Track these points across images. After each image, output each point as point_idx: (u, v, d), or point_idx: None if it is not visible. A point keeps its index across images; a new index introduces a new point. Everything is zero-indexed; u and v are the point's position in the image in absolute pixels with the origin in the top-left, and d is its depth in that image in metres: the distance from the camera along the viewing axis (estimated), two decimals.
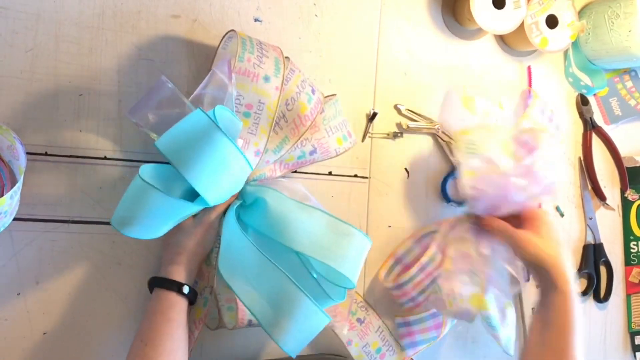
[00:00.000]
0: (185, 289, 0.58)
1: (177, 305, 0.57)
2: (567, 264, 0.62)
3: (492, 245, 0.66)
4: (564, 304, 0.60)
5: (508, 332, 0.68)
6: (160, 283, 0.58)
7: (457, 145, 0.63)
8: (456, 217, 0.72)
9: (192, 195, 0.56)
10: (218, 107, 0.52)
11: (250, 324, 0.63)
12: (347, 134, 0.70)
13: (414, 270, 0.69)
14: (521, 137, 0.65)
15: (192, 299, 0.59)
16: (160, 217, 0.54)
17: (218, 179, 0.53)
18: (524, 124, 0.70)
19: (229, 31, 0.64)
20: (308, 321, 0.56)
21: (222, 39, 0.66)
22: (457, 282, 0.63)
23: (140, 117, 0.58)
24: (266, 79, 0.59)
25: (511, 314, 0.72)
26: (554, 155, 0.65)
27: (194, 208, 0.55)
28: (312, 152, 0.66)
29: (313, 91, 0.64)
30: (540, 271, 0.61)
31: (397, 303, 0.73)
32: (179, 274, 0.59)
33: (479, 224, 0.67)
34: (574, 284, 0.61)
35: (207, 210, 0.60)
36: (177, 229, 0.60)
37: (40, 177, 0.63)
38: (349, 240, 0.59)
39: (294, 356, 0.57)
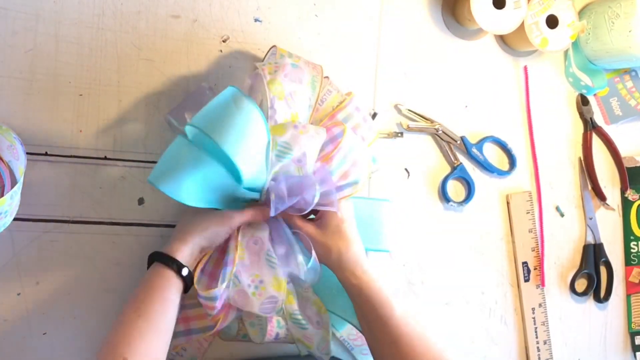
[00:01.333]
0: (184, 271, 0.57)
1: (174, 287, 0.56)
2: (348, 257, 0.58)
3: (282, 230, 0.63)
4: (360, 296, 0.57)
5: (322, 332, 0.62)
6: (162, 258, 0.57)
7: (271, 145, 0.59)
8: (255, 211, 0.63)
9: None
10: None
11: (277, 337, 0.63)
12: (375, 157, 0.71)
13: (223, 271, 0.59)
14: (333, 130, 0.62)
15: (188, 283, 0.58)
16: (193, 176, 0.54)
17: (246, 145, 0.54)
18: (338, 116, 0.64)
19: (271, 47, 0.66)
20: None
21: (264, 56, 0.67)
22: (255, 269, 0.58)
23: (178, 118, 0.61)
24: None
25: (323, 314, 0.64)
26: (358, 153, 0.62)
27: (225, 176, 0.55)
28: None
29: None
30: (338, 272, 0.60)
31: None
32: (181, 253, 0.57)
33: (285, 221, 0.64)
34: (363, 273, 0.58)
35: (231, 213, 0.59)
36: (196, 213, 0.59)
37: (40, 177, 0.63)
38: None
39: None
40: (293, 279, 0.61)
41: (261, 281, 0.57)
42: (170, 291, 0.56)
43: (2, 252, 0.62)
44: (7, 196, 0.54)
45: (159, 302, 0.55)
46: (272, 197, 0.57)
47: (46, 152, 0.64)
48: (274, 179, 0.58)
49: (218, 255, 0.61)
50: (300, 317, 0.60)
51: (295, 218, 0.61)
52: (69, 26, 0.65)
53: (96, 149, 0.65)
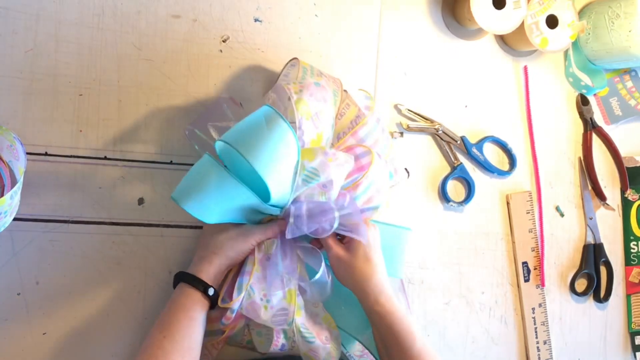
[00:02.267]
0: (210, 291, 0.58)
1: (200, 305, 0.57)
2: (374, 283, 0.59)
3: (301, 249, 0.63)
4: (382, 323, 0.58)
5: (330, 348, 0.61)
6: (188, 279, 0.58)
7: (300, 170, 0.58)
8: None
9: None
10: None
11: (283, 347, 0.63)
12: (393, 171, 0.70)
13: (240, 284, 0.60)
14: (355, 151, 0.62)
15: (214, 302, 0.59)
16: (217, 197, 0.54)
17: (278, 165, 0.54)
18: (360, 132, 0.64)
19: (291, 59, 0.66)
20: None
21: (284, 67, 0.67)
22: (268, 282, 0.59)
23: (203, 130, 0.62)
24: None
25: (333, 330, 0.64)
26: (381, 180, 0.63)
27: (251, 198, 0.56)
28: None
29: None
30: (360, 295, 0.60)
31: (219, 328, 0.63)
32: (207, 274, 0.58)
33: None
34: (387, 301, 0.58)
35: (253, 229, 0.60)
36: (219, 231, 0.60)
37: (40, 177, 0.63)
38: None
39: None
40: (302, 293, 0.61)
41: (272, 294, 0.59)
42: (196, 310, 0.57)
43: (2, 252, 0.62)
44: (7, 196, 0.54)
45: (185, 322, 0.56)
46: (291, 220, 0.58)
47: (46, 152, 0.63)
48: (295, 201, 0.59)
49: (236, 268, 0.62)
50: (306, 331, 0.60)
51: (327, 237, 0.61)
52: (69, 26, 0.65)
53: (96, 149, 0.65)
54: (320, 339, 0.61)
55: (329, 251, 0.61)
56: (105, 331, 0.65)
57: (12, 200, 0.56)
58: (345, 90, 0.66)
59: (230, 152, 0.54)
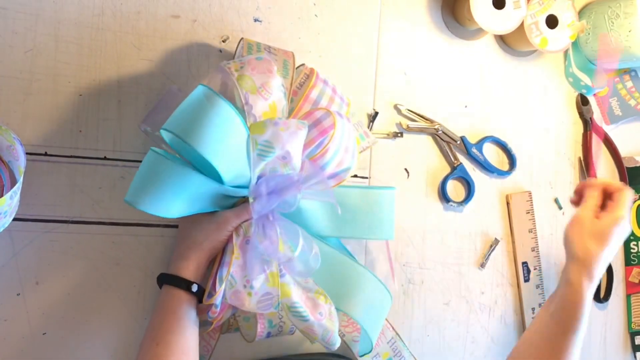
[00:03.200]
0: (194, 287, 0.56)
1: (186, 303, 0.56)
2: (596, 266, 0.61)
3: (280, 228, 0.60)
4: (573, 301, 0.59)
5: (325, 323, 0.60)
6: (169, 280, 0.57)
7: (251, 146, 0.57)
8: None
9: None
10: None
11: (268, 335, 0.62)
12: (363, 134, 0.70)
13: (221, 275, 0.58)
14: (315, 115, 0.60)
15: (200, 296, 0.58)
16: (172, 190, 0.53)
17: (225, 146, 0.53)
18: (312, 94, 0.62)
19: (240, 40, 0.65)
20: (375, 293, 0.64)
21: (235, 50, 0.65)
22: (249, 267, 0.57)
23: (153, 124, 0.60)
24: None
25: (326, 304, 0.62)
26: (348, 139, 0.61)
27: (205, 182, 0.54)
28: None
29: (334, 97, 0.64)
30: (567, 257, 0.62)
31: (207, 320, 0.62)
32: (187, 270, 0.57)
33: None
34: (591, 286, 0.60)
35: (227, 215, 0.59)
36: (191, 223, 0.59)
37: (40, 177, 0.63)
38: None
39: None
40: (289, 271, 0.60)
41: (254, 279, 0.57)
42: (183, 309, 0.55)
43: (2, 252, 0.62)
44: (7, 196, 0.54)
45: (174, 324, 0.54)
46: (251, 200, 0.56)
47: (46, 152, 0.63)
48: (259, 178, 0.57)
49: (217, 258, 0.61)
50: (300, 308, 0.59)
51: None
52: (69, 26, 0.65)
53: (96, 149, 0.65)
54: (314, 315, 0.60)
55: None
56: (105, 331, 0.65)
57: (12, 200, 0.56)
58: (304, 64, 0.66)
59: (178, 141, 0.52)
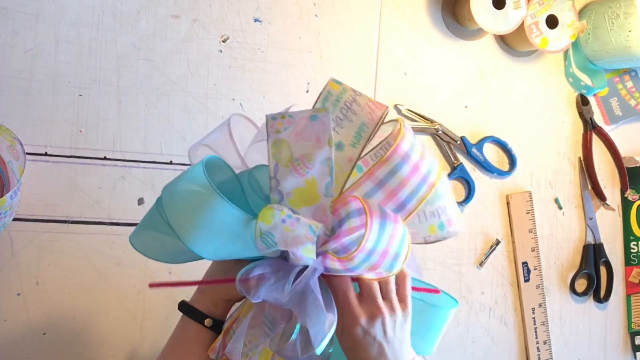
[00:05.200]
0: (208, 322, 0.53)
1: (200, 337, 0.53)
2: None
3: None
4: None
5: None
6: (186, 310, 0.54)
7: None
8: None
9: None
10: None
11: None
12: (445, 222, 0.53)
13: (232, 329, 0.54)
14: (350, 205, 0.48)
15: (216, 331, 0.54)
16: (225, 233, 0.47)
17: (220, 246, 0.48)
18: (378, 172, 0.49)
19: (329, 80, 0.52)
20: None
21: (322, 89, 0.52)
22: (255, 330, 0.51)
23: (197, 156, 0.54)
24: (339, 146, 0.49)
25: None
26: (393, 244, 0.49)
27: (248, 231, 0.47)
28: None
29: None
30: None
31: None
32: (202, 303, 0.54)
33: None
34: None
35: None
36: (219, 262, 0.56)
37: (40, 177, 0.63)
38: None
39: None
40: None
41: (256, 345, 0.51)
42: (196, 344, 0.53)
43: (2, 252, 0.62)
44: (7, 196, 0.54)
45: (184, 356, 0.52)
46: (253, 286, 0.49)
47: (46, 152, 0.63)
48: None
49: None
50: None
51: (345, 277, 0.51)
52: (69, 26, 0.65)
53: (96, 149, 0.65)
54: None
55: (340, 291, 0.50)
56: (105, 331, 0.65)
57: (12, 200, 0.56)
58: (394, 120, 0.51)
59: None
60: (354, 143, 0.50)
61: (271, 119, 0.49)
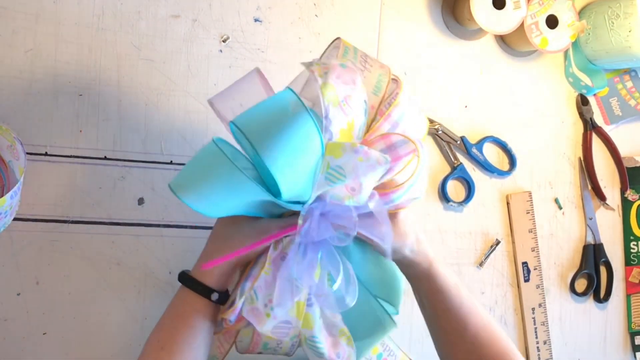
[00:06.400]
0: (214, 296, 0.51)
1: (203, 311, 0.51)
2: (423, 242, 0.56)
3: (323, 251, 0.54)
4: (430, 282, 0.55)
5: None
6: (189, 283, 0.52)
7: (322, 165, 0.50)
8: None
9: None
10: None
11: (260, 353, 0.58)
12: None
13: (244, 286, 0.53)
14: (391, 138, 0.53)
15: (221, 303, 0.53)
16: (221, 191, 0.47)
17: (295, 165, 0.47)
18: (393, 115, 0.54)
19: (334, 39, 0.57)
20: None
21: (326, 49, 0.58)
22: (277, 289, 0.51)
23: (222, 103, 0.54)
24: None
25: (347, 346, 0.56)
26: (425, 169, 0.53)
27: (260, 193, 0.48)
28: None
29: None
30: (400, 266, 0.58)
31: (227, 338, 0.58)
32: (211, 275, 0.51)
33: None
34: (433, 259, 0.56)
35: (271, 223, 0.53)
36: (230, 224, 0.54)
37: (40, 177, 0.63)
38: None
39: None
40: (319, 302, 0.54)
41: (279, 304, 0.51)
42: (198, 318, 0.51)
43: (2, 252, 0.62)
44: (7, 196, 0.54)
45: (185, 332, 0.50)
46: (300, 221, 0.50)
47: (46, 152, 0.63)
48: (318, 199, 0.51)
49: (247, 268, 0.55)
50: (319, 344, 0.53)
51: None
52: (69, 26, 0.65)
53: (96, 149, 0.65)
54: (331, 354, 0.54)
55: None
56: (105, 331, 0.65)
57: (12, 200, 0.56)
58: (394, 79, 0.57)
59: (243, 140, 0.47)
60: (375, 91, 0.54)
61: (309, 65, 0.51)
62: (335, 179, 0.49)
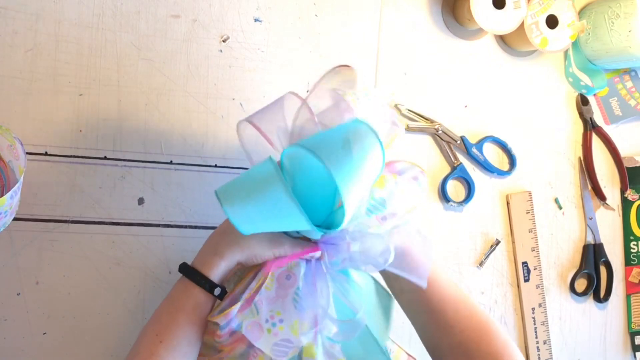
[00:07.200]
0: (217, 291, 0.51)
1: (203, 306, 0.51)
2: None
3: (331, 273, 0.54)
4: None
5: None
6: (192, 275, 0.51)
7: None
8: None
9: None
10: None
11: None
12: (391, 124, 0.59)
13: (240, 296, 0.52)
14: (395, 166, 0.54)
15: (220, 298, 0.52)
16: (266, 212, 0.46)
17: (361, 184, 0.46)
18: None
19: (341, 67, 0.56)
20: None
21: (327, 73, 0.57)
22: (278, 306, 0.50)
23: (263, 122, 0.52)
24: None
25: None
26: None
27: (302, 221, 0.47)
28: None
29: None
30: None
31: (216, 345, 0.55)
32: (216, 269, 0.50)
33: None
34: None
35: (282, 240, 0.53)
36: None
37: (40, 177, 0.63)
38: None
39: None
40: (322, 331, 0.53)
41: (281, 320, 0.50)
42: (198, 313, 0.50)
43: (2, 252, 0.62)
44: (7, 196, 0.54)
45: (186, 327, 0.49)
46: (325, 257, 0.50)
47: (46, 152, 0.63)
48: (347, 233, 0.50)
49: (247, 275, 0.54)
50: None
51: None
52: (69, 26, 0.65)
53: (96, 148, 0.65)
54: None
55: None
56: (105, 331, 0.65)
57: (12, 200, 0.56)
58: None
59: (298, 164, 0.46)
60: None
61: (343, 93, 0.52)
62: (375, 210, 0.49)
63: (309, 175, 0.47)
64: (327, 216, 0.50)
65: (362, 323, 0.51)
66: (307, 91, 0.74)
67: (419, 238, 0.51)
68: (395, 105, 0.77)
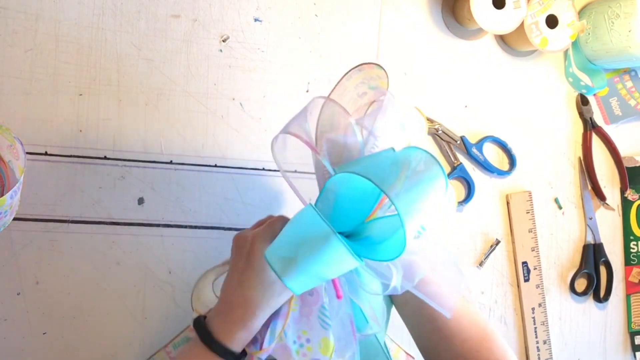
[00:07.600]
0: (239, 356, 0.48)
1: None
2: None
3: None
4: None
5: None
6: (215, 346, 0.46)
7: None
8: None
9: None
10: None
11: None
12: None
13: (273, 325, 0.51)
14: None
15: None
16: (323, 273, 0.43)
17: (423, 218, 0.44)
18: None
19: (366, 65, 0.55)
20: None
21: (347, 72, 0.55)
22: (304, 325, 0.49)
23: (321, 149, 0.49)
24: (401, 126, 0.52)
25: None
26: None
27: (351, 263, 0.44)
28: None
29: None
30: None
31: None
32: (242, 342, 0.47)
33: None
34: None
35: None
36: (265, 284, 0.47)
37: (40, 177, 0.63)
38: None
39: None
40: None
41: (308, 340, 0.48)
42: None
43: (2, 252, 0.62)
44: (7, 196, 0.54)
45: None
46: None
47: (46, 152, 0.63)
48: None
49: None
50: None
51: None
52: (69, 26, 0.65)
53: (96, 148, 0.65)
54: None
55: None
56: (105, 331, 0.65)
57: (12, 200, 0.56)
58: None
59: (344, 189, 0.44)
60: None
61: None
62: (418, 235, 0.47)
63: (348, 195, 0.45)
64: (354, 227, 0.48)
65: (377, 342, 0.50)
66: (307, 91, 0.74)
67: (453, 268, 0.49)
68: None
